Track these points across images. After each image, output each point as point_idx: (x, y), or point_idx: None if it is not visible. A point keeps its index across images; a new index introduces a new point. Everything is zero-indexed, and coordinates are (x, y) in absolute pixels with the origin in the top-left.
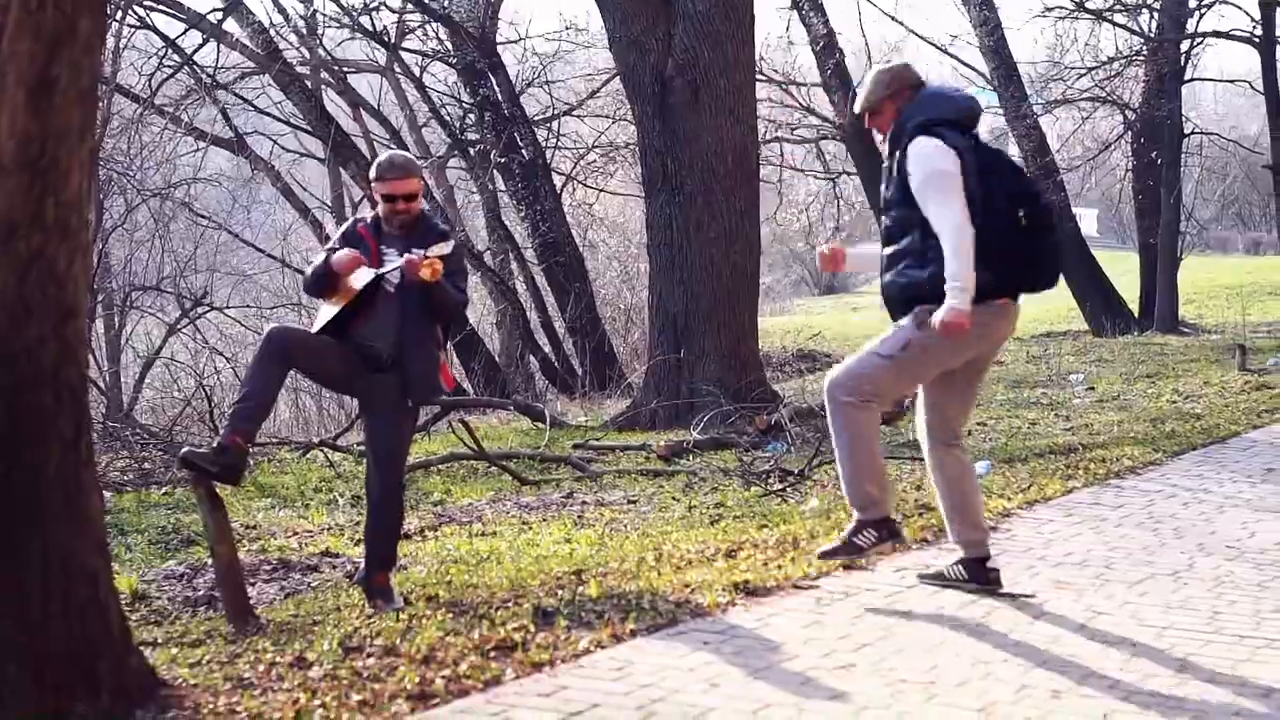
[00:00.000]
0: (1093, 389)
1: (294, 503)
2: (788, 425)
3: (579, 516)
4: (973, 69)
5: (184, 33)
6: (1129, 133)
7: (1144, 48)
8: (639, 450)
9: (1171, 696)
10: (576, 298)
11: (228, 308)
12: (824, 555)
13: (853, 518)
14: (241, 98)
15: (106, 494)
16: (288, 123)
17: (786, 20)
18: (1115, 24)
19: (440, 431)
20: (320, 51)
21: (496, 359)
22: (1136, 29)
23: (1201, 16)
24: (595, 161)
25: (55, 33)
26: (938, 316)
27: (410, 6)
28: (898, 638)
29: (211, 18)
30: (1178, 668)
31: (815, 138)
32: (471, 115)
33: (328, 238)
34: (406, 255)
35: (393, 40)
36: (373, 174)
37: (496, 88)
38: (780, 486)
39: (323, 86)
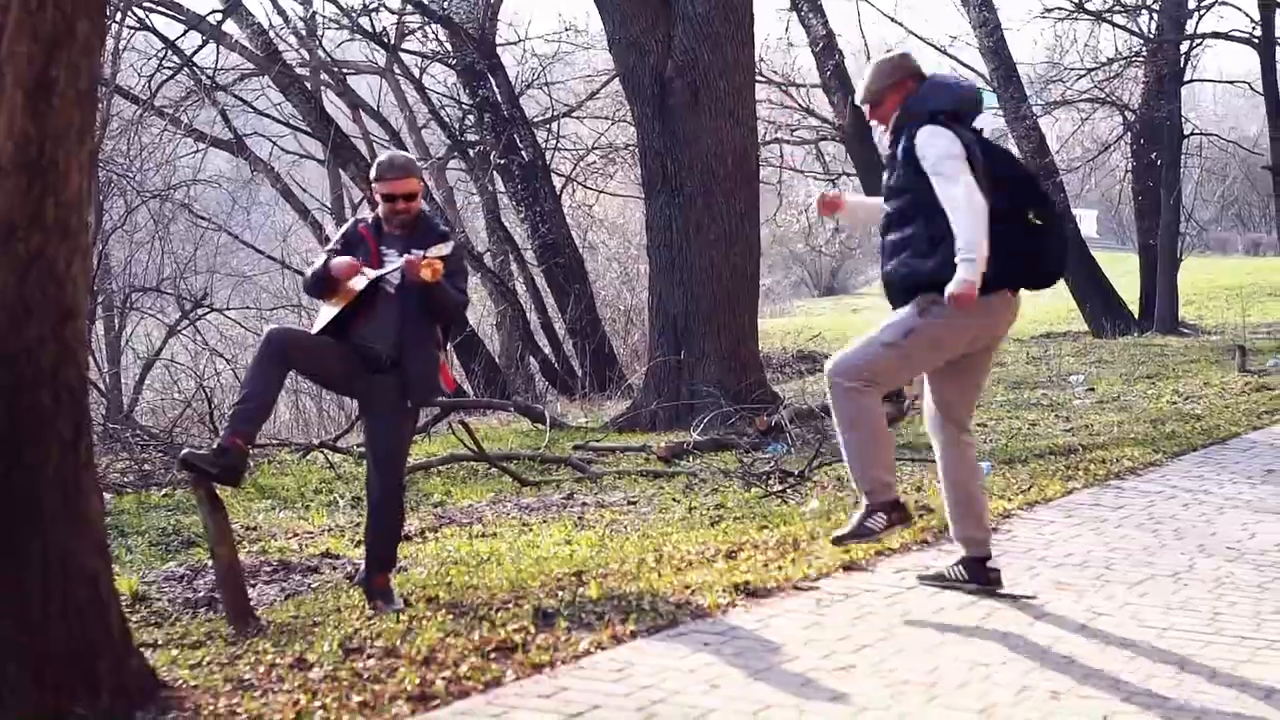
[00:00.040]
0: (1093, 390)
1: (294, 504)
2: (788, 426)
3: (579, 518)
4: (972, 70)
5: (183, 34)
6: (1128, 134)
7: (1143, 49)
8: (639, 451)
9: (1172, 698)
10: (576, 299)
11: (228, 309)
12: (837, 541)
13: (861, 503)
14: (241, 99)
15: (107, 495)
16: (287, 124)
17: (786, 22)
18: (1115, 25)
19: (440, 433)
20: (320, 53)
21: (496, 360)
22: (1136, 30)
23: (1201, 17)
24: (595, 163)
25: (54, 34)
26: (949, 289)
27: (410, 8)
28: (898, 639)
29: (211, 19)
30: (1178, 669)
31: (815, 139)
32: (471, 117)
33: (327, 239)
34: (406, 256)
35: (392, 42)
36: (373, 174)
37: (496, 89)
38: (780, 488)
39: (322, 88)
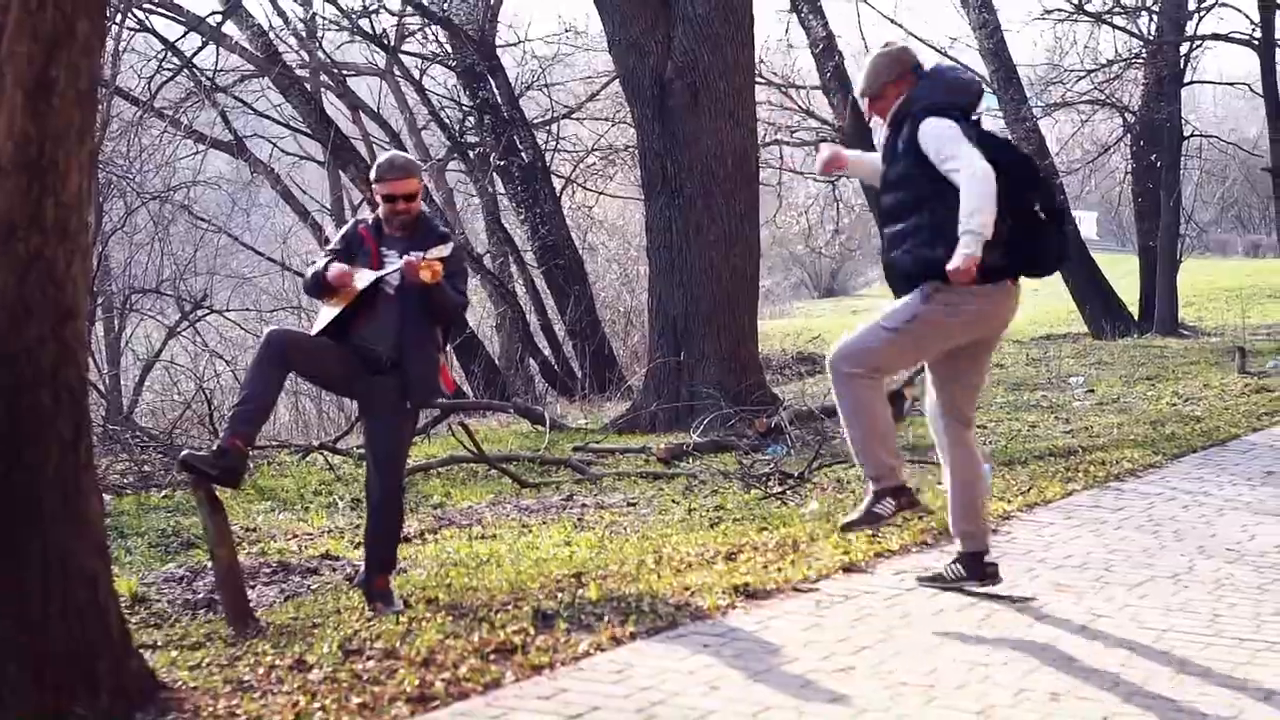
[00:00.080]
0: (1092, 391)
1: (294, 506)
2: (788, 428)
3: (579, 519)
4: (972, 71)
5: (183, 35)
6: (1128, 135)
7: (1143, 50)
8: (639, 453)
9: (1171, 699)
10: (576, 300)
11: (227, 310)
12: (845, 528)
13: (868, 489)
14: (241, 100)
15: (106, 496)
16: (287, 125)
17: (786, 23)
18: (1114, 26)
19: (440, 434)
20: (320, 54)
21: (496, 362)
22: (1136, 31)
23: (1201, 19)
24: (595, 164)
25: (54, 34)
26: (950, 263)
27: (410, 9)
28: (897, 640)
29: (211, 21)
30: (1177, 671)
31: (815, 140)
32: (471, 118)
33: (327, 240)
34: (406, 257)
35: (392, 43)
36: (373, 175)
37: (496, 90)
38: (780, 489)
39: (322, 89)
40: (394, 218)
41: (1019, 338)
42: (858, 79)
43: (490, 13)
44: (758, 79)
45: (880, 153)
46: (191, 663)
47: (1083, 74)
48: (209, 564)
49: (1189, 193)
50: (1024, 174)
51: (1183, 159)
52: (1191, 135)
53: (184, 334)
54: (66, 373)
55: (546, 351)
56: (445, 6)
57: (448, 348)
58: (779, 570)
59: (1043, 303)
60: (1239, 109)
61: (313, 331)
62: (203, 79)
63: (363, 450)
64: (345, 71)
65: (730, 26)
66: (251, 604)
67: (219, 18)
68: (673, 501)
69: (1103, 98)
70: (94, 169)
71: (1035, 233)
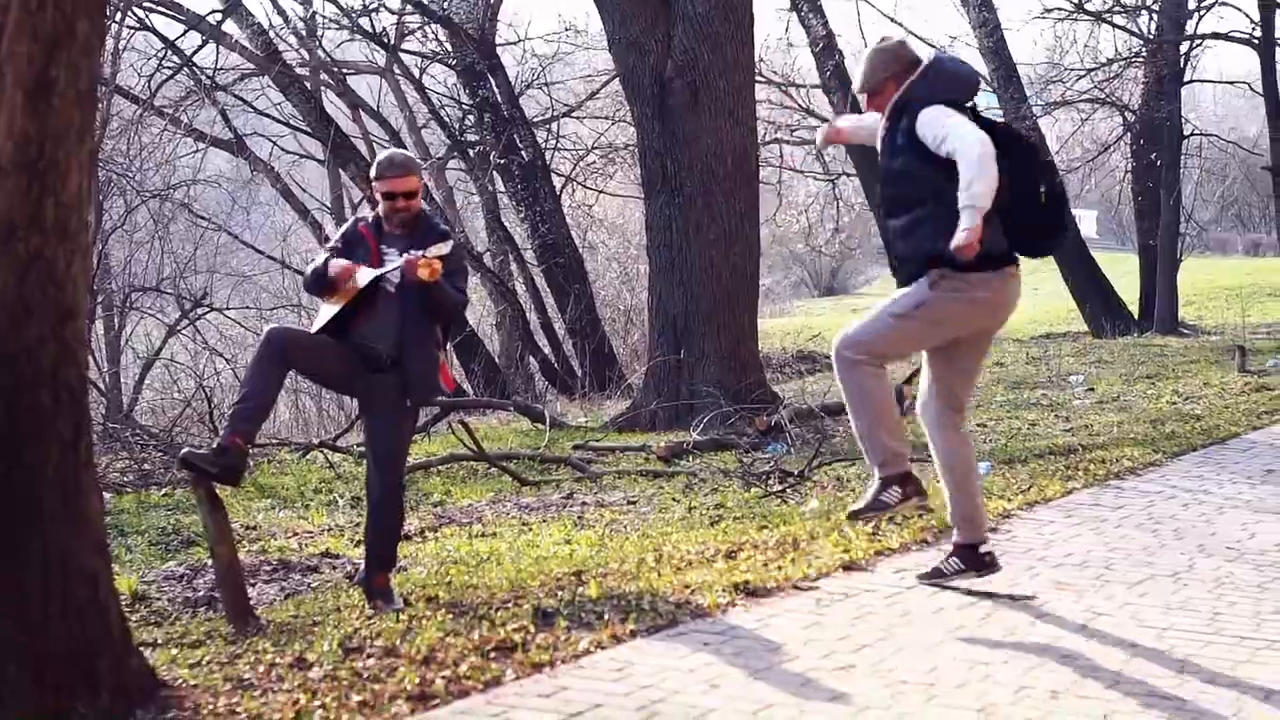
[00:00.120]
0: (1092, 390)
1: (294, 504)
2: (787, 426)
3: (579, 517)
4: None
5: (183, 34)
6: (1128, 134)
7: (1143, 49)
8: (639, 451)
9: (1171, 698)
10: (576, 299)
11: (227, 309)
12: (852, 516)
13: (874, 477)
14: (241, 99)
15: (106, 495)
16: (287, 124)
17: (786, 22)
18: (1114, 25)
19: (440, 432)
20: (320, 53)
21: (496, 360)
22: (1136, 30)
23: (1201, 18)
24: (595, 163)
25: (54, 34)
26: (953, 241)
27: (410, 8)
28: (897, 639)
29: (211, 19)
30: (1177, 669)
31: (814, 139)
32: (471, 117)
33: (327, 239)
34: (406, 255)
35: (392, 42)
36: (373, 172)
37: (496, 89)
38: (780, 488)
39: (322, 88)
40: (394, 215)
41: (1019, 336)
42: (856, 75)
43: (490, 11)
44: (758, 78)
45: (878, 146)
46: (192, 661)
47: (1083, 73)
48: (209, 562)
49: (1189, 191)
50: (1024, 153)
51: (1183, 158)
52: (1191, 134)
53: (184, 332)
54: (66, 372)
55: (546, 350)
56: (445, 5)
57: (448, 346)
58: (779, 568)
59: (1043, 301)
60: (1239, 108)
61: (313, 329)
62: (203, 77)
63: (363, 448)
64: (345, 70)
65: (730, 25)
66: (252, 602)
67: (219, 16)
68: (673, 500)
69: (1103, 96)
70: (94, 168)
71: (1036, 213)
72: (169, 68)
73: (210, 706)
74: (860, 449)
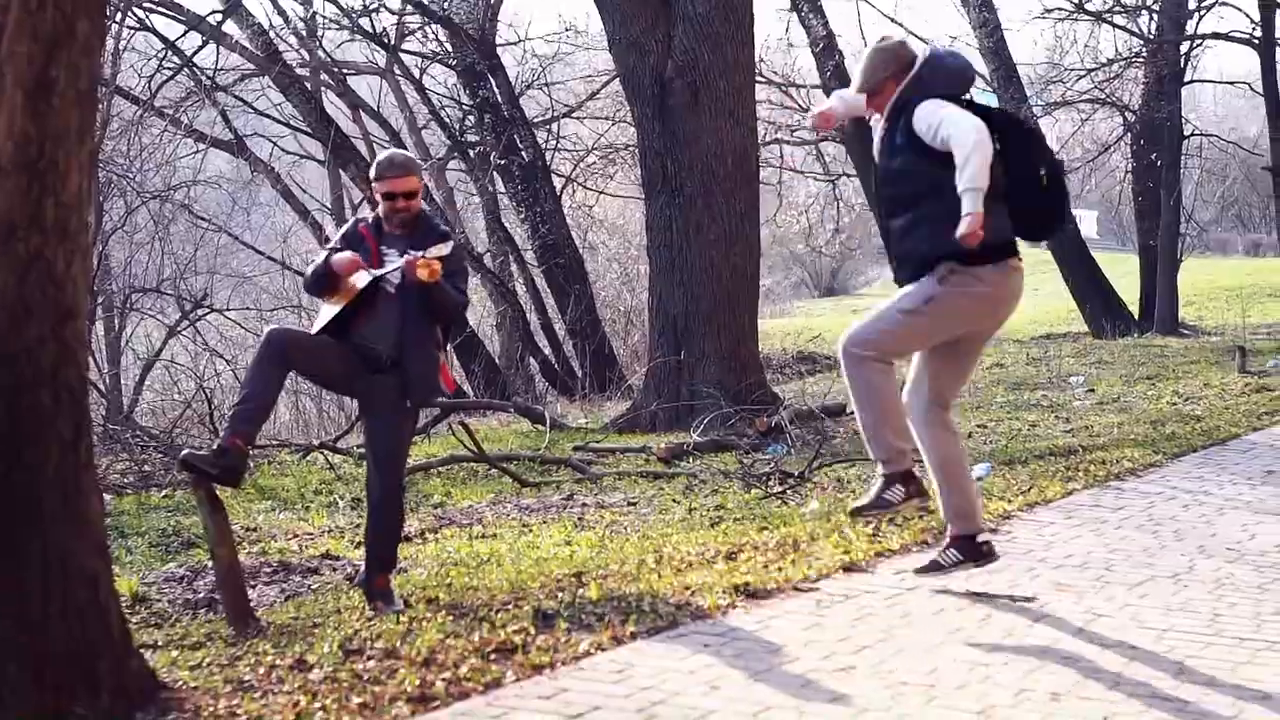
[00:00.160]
0: (1093, 391)
1: (294, 505)
2: (788, 427)
3: (579, 519)
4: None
5: (183, 35)
6: (1128, 134)
7: (1143, 49)
8: (639, 452)
9: (1171, 699)
10: (576, 300)
11: (228, 310)
12: (854, 513)
13: (878, 474)
14: (241, 100)
15: (107, 496)
16: (287, 125)
17: (786, 22)
18: (1115, 25)
19: (440, 433)
20: (320, 53)
21: (496, 361)
22: (1136, 30)
23: (1201, 18)
24: (595, 163)
25: (54, 34)
26: (959, 229)
27: (410, 8)
28: (898, 640)
29: (211, 20)
30: (1177, 670)
31: (815, 139)
32: (471, 117)
33: (327, 239)
34: (406, 256)
35: (392, 42)
36: (373, 173)
37: (496, 89)
38: (780, 489)
39: (322, 88)
40: (394, 216)
41: (1019, 337)
42: (855, 75)
43: (490, 11)
44: (758, 78)
45: (876, 146)
46: (192, 662)
47: (1083, 73)
48: (209, 563)
49: (1189, 192)
50: (1023, 137)
51: (1183, 158)
52: (1192, 134)
53: (184, 333)
54: (66, 373)
55: (547, 351)
56: (445, 5)
57: (448, 347)
58: (779, 570)
59: (1043, 302)
60: (1239, 108)
61: (313, 330)
62: (203, 78)
63: (363, 449)
64: (345, 70)
65: (730, 25)
66: (252, 603)
67: (219, 17)
68: (673, 501)
69: (1103, 97)
70: (94, 169)
71: (1037, 197)
72: (169, 68)
73: (210, 708)
74: (865, 445)
